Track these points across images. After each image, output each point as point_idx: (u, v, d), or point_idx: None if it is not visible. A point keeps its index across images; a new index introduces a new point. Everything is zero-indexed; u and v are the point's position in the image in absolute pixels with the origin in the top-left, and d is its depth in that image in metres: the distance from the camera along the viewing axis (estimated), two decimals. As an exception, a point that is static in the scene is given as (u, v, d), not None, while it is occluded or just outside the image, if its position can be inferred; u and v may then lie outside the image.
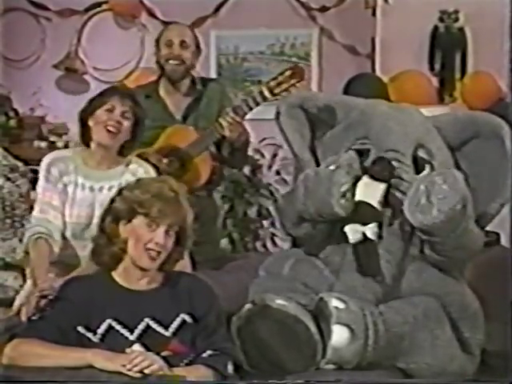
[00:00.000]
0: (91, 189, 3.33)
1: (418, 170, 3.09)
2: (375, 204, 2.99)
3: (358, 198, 2.99)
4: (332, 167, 3.02)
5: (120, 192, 2.82)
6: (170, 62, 3.93)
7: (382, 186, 3.01)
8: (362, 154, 3.10)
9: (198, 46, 4.01)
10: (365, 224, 2.99)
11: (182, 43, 3.93)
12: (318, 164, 3.20)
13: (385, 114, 3.16)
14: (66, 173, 3.35)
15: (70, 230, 3.33)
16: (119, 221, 2.75)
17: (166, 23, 5.56)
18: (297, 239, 3.30)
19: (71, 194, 3.33)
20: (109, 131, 3.29)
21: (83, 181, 3.34)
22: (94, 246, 2.83)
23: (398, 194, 3.02)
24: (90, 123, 3.33)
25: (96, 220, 2.99)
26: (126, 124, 3.32)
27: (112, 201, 2.81)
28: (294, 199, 3.13)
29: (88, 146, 3.37)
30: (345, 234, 3.03)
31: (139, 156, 3.58)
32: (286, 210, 3.25)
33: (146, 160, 3.59)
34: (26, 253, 3.28)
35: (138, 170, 3.40)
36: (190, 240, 2.83)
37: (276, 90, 3.75)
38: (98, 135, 3.31)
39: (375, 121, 3.13)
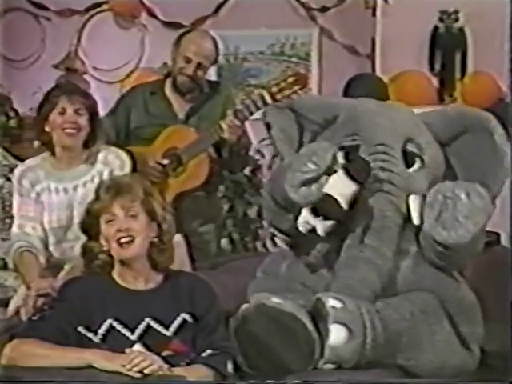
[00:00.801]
0: (65, 190, 3.32)
1: (408, 165, 3.10)
2: (342, 202, 2.93)
3: (325, 190, 2.94)
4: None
5: (85, 211, 2.82)
6: (184, 76, 3.90)
7: (354, 187, 2.94)
8: (352, 150, 3.10)
9: (216, 57, 3.98)
10: (326, 218, 2.93)
11: (200, 64, 3.88)
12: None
13: (373, 110, 3.17)
14: (38, 181, 3.34)
15: (53, 236, 3.32)
16: (98, 236, 2.75)
17: (166, 23, 5.59)
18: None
19: (47, 201, 3.33)
20: (68, 133, 3.27)
21: (56, 185, 3.33)
22: (85, 262, 2.83)
23: (390, 187, 3.02)
24: (47, 129, 3.32)
25: (77, 220, 2.99)
26: (82, 120, 3.30)
27: (81, 222, 2.82)
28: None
29: (53, 152, 3.35)
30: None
31: (136, 152, 3.58)
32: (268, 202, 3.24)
33: (144, 160, 3.59)
34: (15, 266, 3.29)
35: (108, 156, 3.39)
36: (167, 223, 2.79)
37: (278, 96, 3.74)
38: (58, 139, 3.30)
39: (364, 118, 3.14)
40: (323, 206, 2.93)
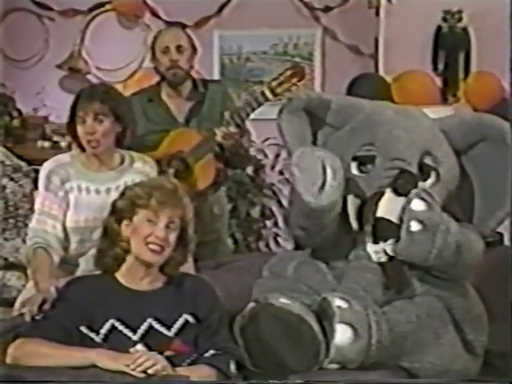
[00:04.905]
0: (97, 191, 3.29)
1: (424, 178, 3.08)
2: (395, 219, 2.96)
3: (379, 214, 2.96)
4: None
5: (122, 192, 2.84)
6: (172, 70, 3.92)
7: (402, 201, 2.96)
8: (366, 160, 3.09)
9: (193, 47, 4.01)
10: (385, 240, 2.97)
11: (179, 48, 3.92)
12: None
13: (391, 120, 3.12)
14: (68, 179, 3.30)
15: (78, 235, 3.29)
16: (122, 220, 2.77)
17: (169, 23, 5.59)
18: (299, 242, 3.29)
19: (75, 200, 3.29)
20: (91, 145, 3.23)
21: (87, 184, 3.30)
22: (98, 250, 2.84)
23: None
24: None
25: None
26: (103, 127, 3.21)
27: (114, 202, 2.83)
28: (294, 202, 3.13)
29: (85, 150, 3.33)
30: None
31: None
32: (291, 212, 3.24)
33: None
34: (28, 262, 3.28)
35: (146, 168, 3.37)
36: (193, 242, 2.84)
37: (278, 90, 3.75)
38: (85, 147, 3.28)
39: (381, 127, 3.09)
40: (380, 230, 2.96)
